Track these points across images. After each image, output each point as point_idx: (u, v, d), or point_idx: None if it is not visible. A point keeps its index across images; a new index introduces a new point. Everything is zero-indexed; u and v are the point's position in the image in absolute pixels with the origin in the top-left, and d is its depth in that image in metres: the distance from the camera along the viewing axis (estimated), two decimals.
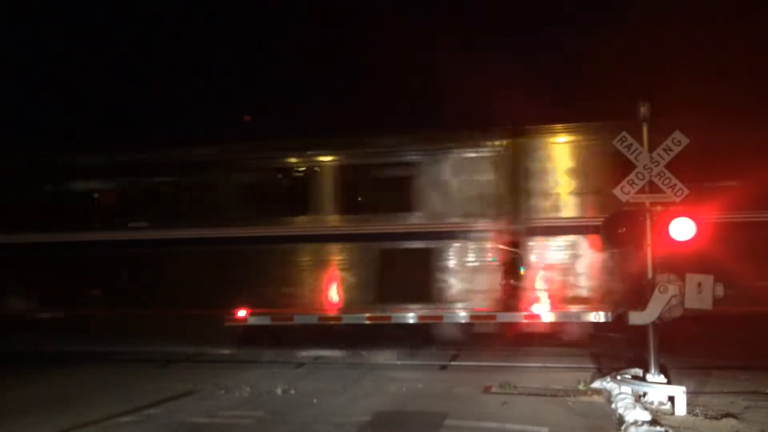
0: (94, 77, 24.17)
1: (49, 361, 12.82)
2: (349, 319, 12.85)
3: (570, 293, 12.48)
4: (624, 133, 8.70)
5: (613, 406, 8.04)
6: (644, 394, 8.28)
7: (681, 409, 7.72)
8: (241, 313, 12.78)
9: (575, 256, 12.52)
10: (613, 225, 9.85)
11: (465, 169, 13.19)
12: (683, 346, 11.09)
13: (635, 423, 6.94)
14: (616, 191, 8.66)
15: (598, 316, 11.65)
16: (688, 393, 7.89)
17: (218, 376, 10.84)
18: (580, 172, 12.64)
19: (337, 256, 13.61)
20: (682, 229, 8.57)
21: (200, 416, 8.24)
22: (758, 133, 11.78)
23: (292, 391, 9.64)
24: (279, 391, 9.64)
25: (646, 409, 7.59)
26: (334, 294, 13.50)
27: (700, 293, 8.34)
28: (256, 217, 14.13)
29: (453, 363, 12.04)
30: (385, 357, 12.67)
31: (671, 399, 7.91)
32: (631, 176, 8.63)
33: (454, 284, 13.03)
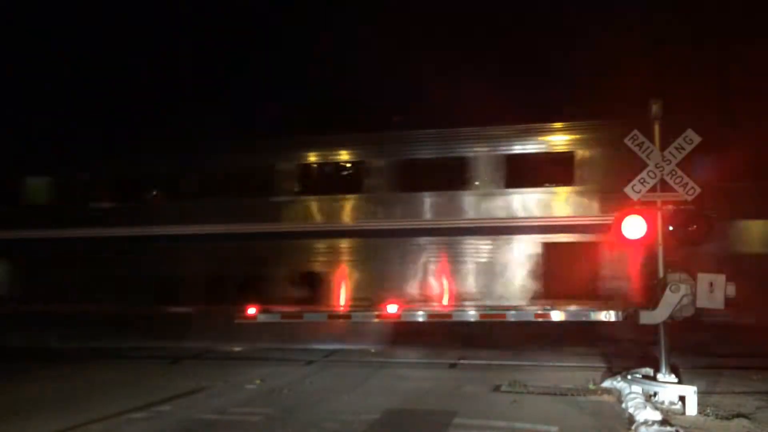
0: None
1: (61, 357, 12.92)
2: (358, 317, 12.83)
3: None
4: (635, 132, 8.64)
5: (623, 405, 8.01)
6: (655, 394, 8.24)
7: (692, 409, 7.68)
8: (251, 310, 12.80)
9: None
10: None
11: None
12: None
13: (646, 423, 6.91)
14: (627, 189, 8.60)
15: (609, 315, 11.58)
16: (699, 393, 7.84)
17: (228, 373, 10.90)
18: None
19: None
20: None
21: (210, 413, 8.28)
22: None
23: (302, 389, 9.66)
24: (288, 388, 9.67)
25: (656, 408, 7.55)
26: None
27: (712, 292, 8.28)
28: None
29: (462, 361, 12.02)
30: (394, 355, 12.69)
31: (682, 399, 7.86)
32: (643, 175, 8.57)
33: None
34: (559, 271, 13.90)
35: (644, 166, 8.58)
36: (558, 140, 14.57)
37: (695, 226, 8.56)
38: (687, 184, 8.43)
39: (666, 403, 8.02)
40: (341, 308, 14.57)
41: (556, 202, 14.38)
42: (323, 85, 21.20)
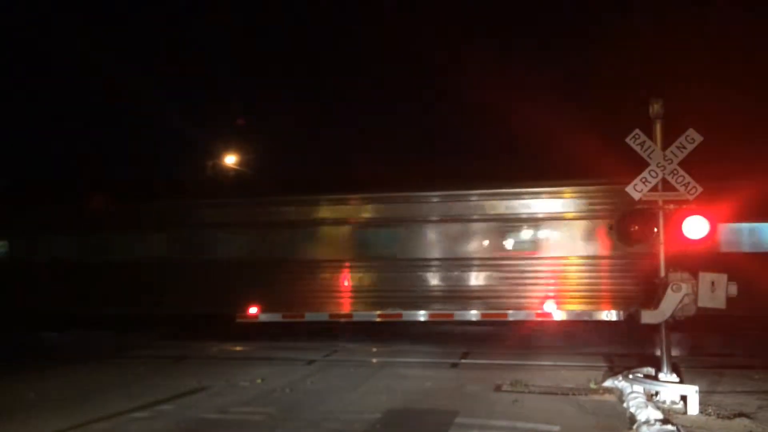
0: None
1: (63, 357, 12.94)
2: (359, 316, 12.85)
3: None
4: (637, 131, 8.63)
5: (624, 405, 8.01)
6: (656, 393, 8.24)
7: (693, 408, 7.67)
8: (253, 310, 12.83)
9: None
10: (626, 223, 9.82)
11: None
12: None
13: (647, 422, 6.91)
14: (629, 189, 8.59)
15: (610, 315, 11.60)
16: (700, 392, 7.83)
17: (230, 373, 10.90)
18: None
19: None
20: (696, 227, 8.51)
21: (212, 412, 8.28)
22: None
23: (303, 388, 9.67)
24: (290, 388, 9.68)
25: (658, 408, 7.56)
26: None
27: (714, 292, 8.27)
28: None
29: (464, 361, 12.02)
30: (396, 354, 12.70)
31: (684, 398, 7.86)
32: (644, 174, 8.56)
33: None
34: None
35: (646, 165, 8.59)
36: None
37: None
38: (689, 183, 8.42)
39: (667, 402, 8.02)
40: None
41: None
42: None
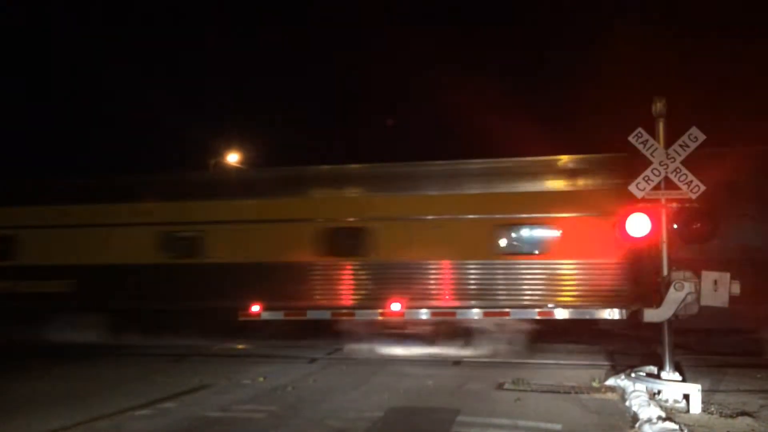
0: None
1: (66, 354, 12.95)
2: (362, 315, 12.84)
3: None
4: (639, 129, 8.60)
5: (627, 403, 8.01)
6: (659, 392, 8.23)
7: (696, 407, 7.66)
8: (255, 308, 12.84)
9: None
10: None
11: None
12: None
13: (649, 421, 6.89)
14: (632, 188, 8.56)
15: (612, 313, 11.58)
16: (703, 391, 7.82)
17: (232, 371, 10.91)
18: None
19: None
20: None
21: (214, 410, 8.29)
22: None
23: (306, 386, 9.68)
24: (292, 386, 9.69)
25: (660, 406, 7.56)
26: None
27: (716, 291, 8.26)
28: None
29: (466, 359, 12.03)
30: (398, 352, 12.69)
31: (686, 397, 7.85)
32: (647, 172, 8.52)
33: None
34: None
35: (649, 163, 8.56)
36: None
37: (699, 224, 8.54)
38: (691, 182, 8.39)
39: (670, 401, 8.02)
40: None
41: None
42: None
